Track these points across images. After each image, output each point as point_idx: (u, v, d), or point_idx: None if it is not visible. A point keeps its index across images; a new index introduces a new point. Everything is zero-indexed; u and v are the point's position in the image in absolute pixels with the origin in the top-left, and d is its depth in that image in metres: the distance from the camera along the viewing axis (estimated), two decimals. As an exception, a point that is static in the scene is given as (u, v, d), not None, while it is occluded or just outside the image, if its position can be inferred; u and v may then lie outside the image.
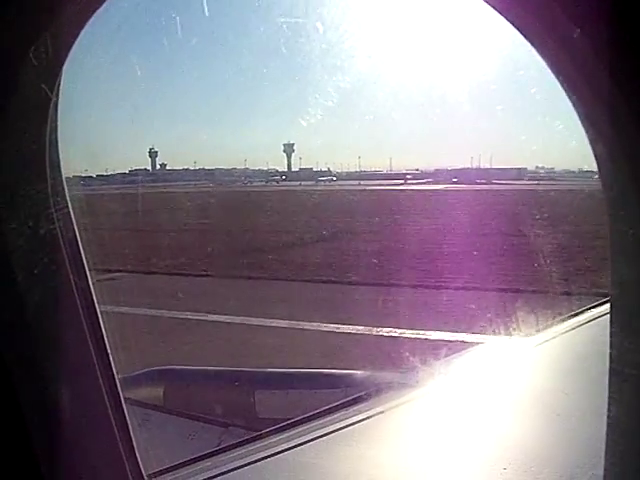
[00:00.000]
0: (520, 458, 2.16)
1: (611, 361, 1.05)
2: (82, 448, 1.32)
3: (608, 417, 1.07)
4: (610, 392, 1.06)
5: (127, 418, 1.42)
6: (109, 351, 1.38)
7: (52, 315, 1.27)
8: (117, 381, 1.39)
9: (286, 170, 39.35)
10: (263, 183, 37.37)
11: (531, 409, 2.60)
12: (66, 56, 1.22)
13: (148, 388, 3.49)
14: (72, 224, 1.33)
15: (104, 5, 1.23)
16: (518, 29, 1.00)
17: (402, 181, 30.43)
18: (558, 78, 0.99)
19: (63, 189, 1.32)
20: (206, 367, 4.37)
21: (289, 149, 37.43)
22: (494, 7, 1.01)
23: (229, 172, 37.05)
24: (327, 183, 34.72)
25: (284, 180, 37.48)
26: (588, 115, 0.99)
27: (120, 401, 1.40)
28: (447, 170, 32.20)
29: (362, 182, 33.44)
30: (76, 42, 1.22)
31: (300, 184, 33.79)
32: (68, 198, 1.33)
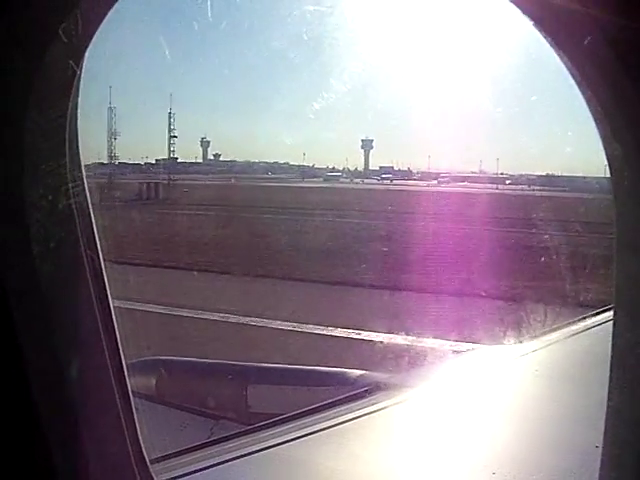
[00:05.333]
0: (509, 463, 2.17)
1: (613, 351, 1.07)
2: (88, 425, 1.33)
3: (608, 407, 1.09)
4: (612, 383, 1.09)
5: (132, 399, 1.43)
6: (115, 327, 1.39)
7: (64, 287, 1.29)
8: (123, 359, 1.40)
9: (363, 167, 35.23)
10: (376, 181, 32.29)
11: (522, 415, 2.61)
12: (94, 33, 1.24)
13: (140, 378, 3.49)
14: (87, 200, 1.34)
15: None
16: (539, 29, 1.02)
17: (501, 185, 26.40)
18: (574, 78, 1.02)
19: (80, 165, 1.33)
20: (200, 359, 4.37)
21: (367, 145, 33.00)
22: (518, 6, 1.03)
23: (291, 168, 33.52)
24: (446, 185, 28.81)
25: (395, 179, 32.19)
26: (603, 113, 1.01)
27: (126, 381, 1.41)
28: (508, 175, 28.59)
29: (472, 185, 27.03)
30: (105, 20, 1.24)
31: (428, 185, 27.71)
32: (84, 174, 1.34)
